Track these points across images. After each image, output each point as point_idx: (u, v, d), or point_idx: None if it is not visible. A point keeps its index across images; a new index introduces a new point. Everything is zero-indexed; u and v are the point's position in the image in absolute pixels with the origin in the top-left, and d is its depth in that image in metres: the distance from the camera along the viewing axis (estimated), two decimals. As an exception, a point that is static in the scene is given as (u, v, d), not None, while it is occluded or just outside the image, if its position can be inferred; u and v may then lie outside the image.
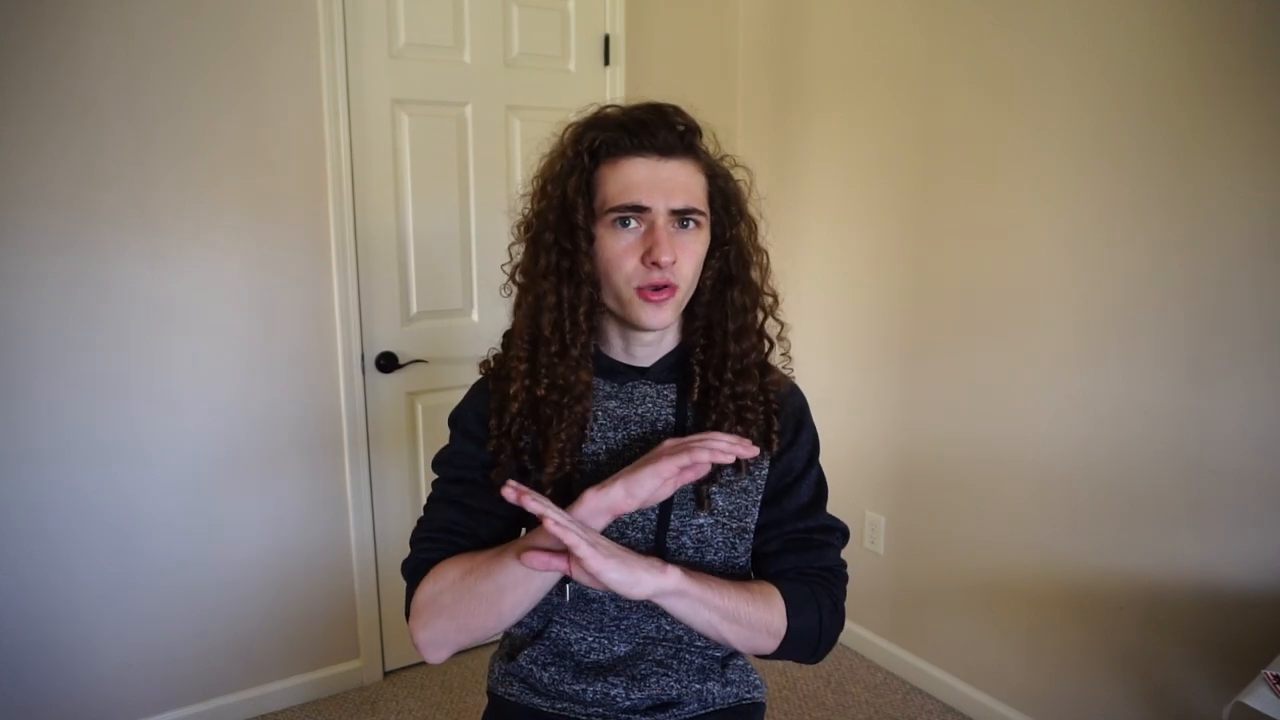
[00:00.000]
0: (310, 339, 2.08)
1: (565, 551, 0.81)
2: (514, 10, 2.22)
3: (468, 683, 2.30)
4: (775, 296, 1.04)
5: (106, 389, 1.86)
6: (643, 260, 0.90)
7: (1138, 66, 1.67)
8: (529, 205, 0.99)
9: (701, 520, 0.98)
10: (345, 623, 2.25)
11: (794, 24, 2.47)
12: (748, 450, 0.88)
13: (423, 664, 2.38)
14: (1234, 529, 1.61)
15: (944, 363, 2.14)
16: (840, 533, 1.05)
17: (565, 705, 1.03)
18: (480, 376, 1.06)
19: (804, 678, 2.34)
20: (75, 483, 1.86)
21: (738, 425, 0.97)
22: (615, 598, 1.00)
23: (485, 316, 2.32)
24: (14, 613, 1.84)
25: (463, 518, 0.98)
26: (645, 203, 0.89)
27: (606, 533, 0.94)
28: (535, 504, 0.79)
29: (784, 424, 1.03)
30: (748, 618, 0.91)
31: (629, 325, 0.96)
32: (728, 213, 0.98)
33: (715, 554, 0.99)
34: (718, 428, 0.97)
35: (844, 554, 1.05)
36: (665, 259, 0.89)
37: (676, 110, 0.94)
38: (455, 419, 1.04)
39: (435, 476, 1.04)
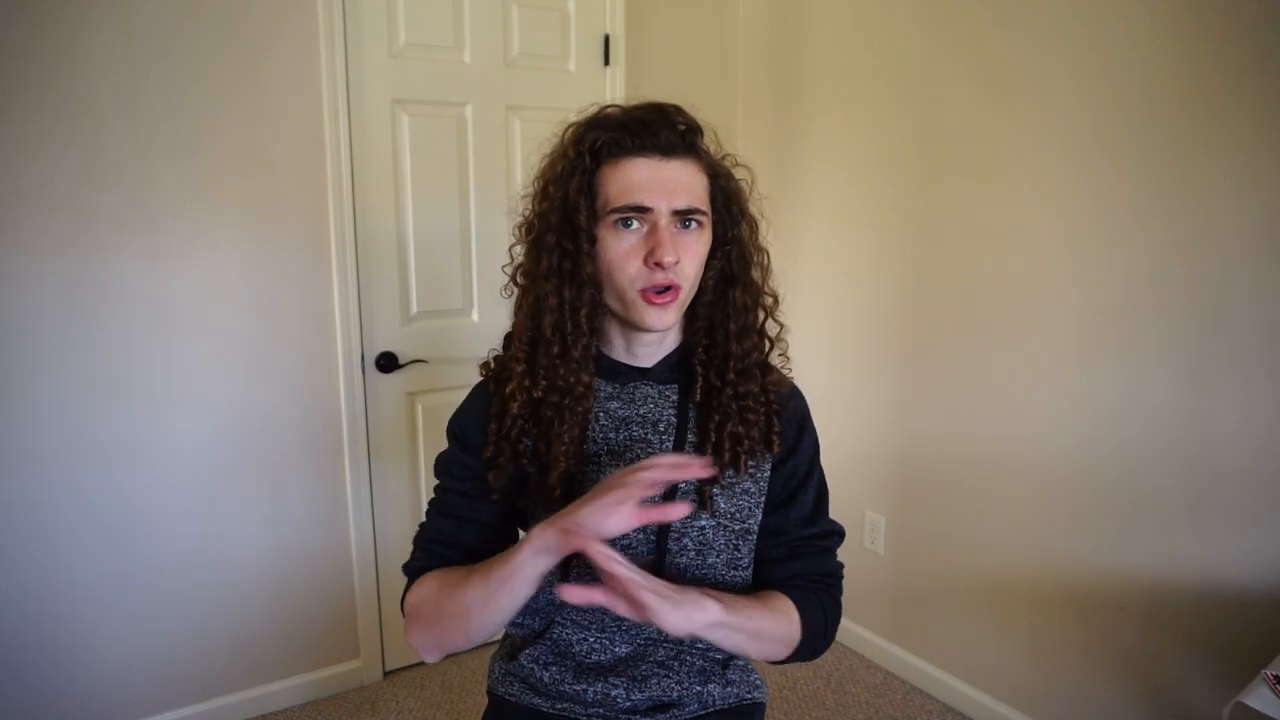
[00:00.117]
0: (310, 339, 2.08)
1: (599, 582, 0.80)
2: (514, 10, 2.22)
3: (468, 683, 2.30)
4: (776, 297, 1.04)
5: (106, 389, 1.86)
6: (645, 261, 0.90)
7: (1138, 66, 1.67)
8: (530, 206, 0.98)
9: (703, 522, 0.98)
10: (345, 622, 2.25)
11: (794, 24, 2.47)
12: (701, 469, 0.82)
13: (423, 664, 2.38)
14: (1234, 529, 1.61)
15: (944, 363, 2.14)
16: (839, 536, 1.08)
17: (565, 705, 1.03)
18: (481, 378, 1.06)
19: (804, 678, 2.34)
20: (75, 483, 1.86)
21: (740, 425, 0.97)
22: (617, 598, 1.00)
23: (485, 317, 2.32)
24: (14, 613, 1.84)
25: (453, 528, 1.01)
26: (647, 203, 0.89)
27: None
28: (608, 563, 0.77)
29: (786, 427, 1.03)
30: (770, 633, 0.94)
31: (631, 326, 0.95)
32: (729, 213, 0.98)
33: (717, 556, 0.99)
34: (720, 428, 0.97)
35: (843, 554, 1.08)
36: (668, 259, 0.88)
37: (678, 110, 0.94)
38: (450, 426, 1.05)
39: (436, 481, 1.05)
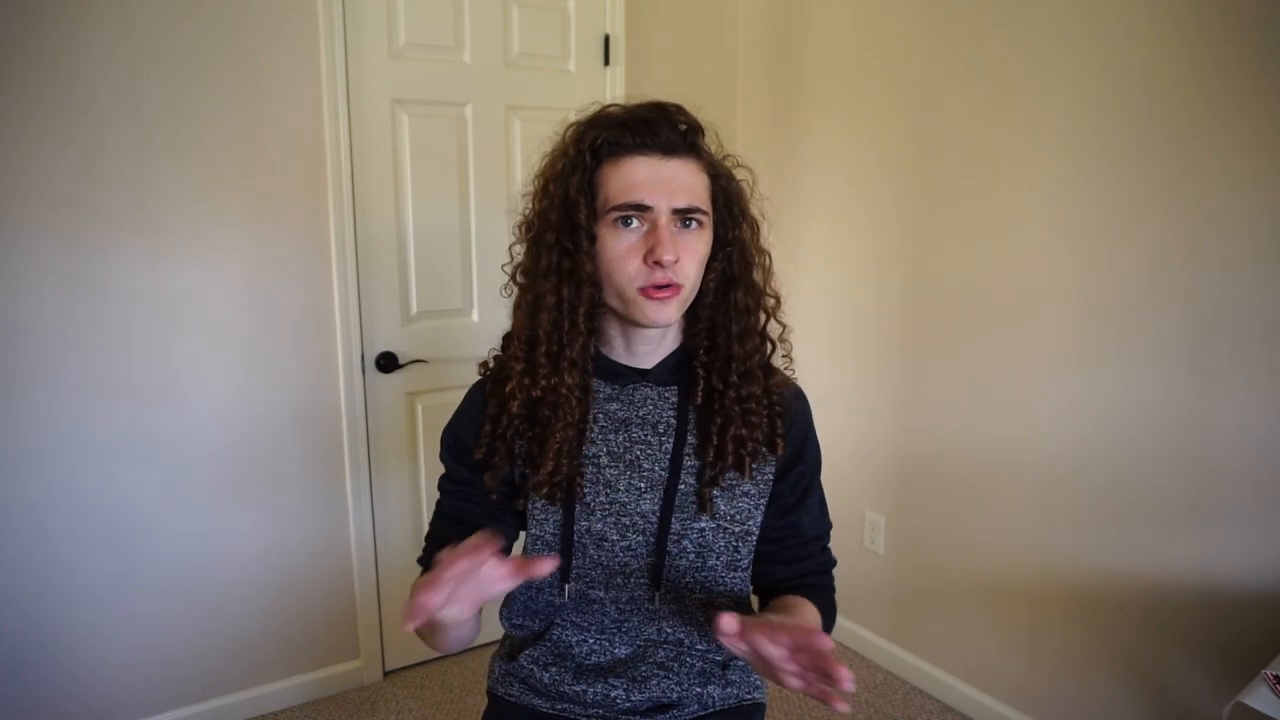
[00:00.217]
0: (310, 339, 2.08)
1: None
2: (514, 10, 2.22)
3: (468, 683, 2.30)
4: (778, 298, 1.04)
5: (106, 389, 1.86)
6: (645, 260, 0.89)
7: (1138, 66, 1.67)
8: (530, 205, 0.98)
9: (703, 524, 0.97)
10: (345, 622, 2.25)
11: (794, 24, 2.47)
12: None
13: (423, 664, 2.38)
14: (1234, 529, 1.61)
15: (944, 363, 2.14)
16: (829, 531, 1.11)
17: (565, 706, 1.03)
18: (479, 378, 1.06)
19: (804, 678, 2.33)
20: (75, 483, 1.86)
21: (743, 428, 0.97)
22: (616, 600, 1.00)
23: (485, 316, 2.32)
24: (14, 613, 1.83)
25: (446, 528, 1.04)
26: (648, 201, 0.89)
27: (607, 536, 0.95)
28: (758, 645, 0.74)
29: (790, 430, 1.02)
30: None
31: (631, 323, 0.95)
32: (730, 213, 0.97)
33: (717, 558, 0.99)
34: (723, 431, 0.97)
35: (843, 554, 1.12)
36: (668, 258, 0.88)
37: (679, 109, 0.94)
38: (444, 433, 1.06)
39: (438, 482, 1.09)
